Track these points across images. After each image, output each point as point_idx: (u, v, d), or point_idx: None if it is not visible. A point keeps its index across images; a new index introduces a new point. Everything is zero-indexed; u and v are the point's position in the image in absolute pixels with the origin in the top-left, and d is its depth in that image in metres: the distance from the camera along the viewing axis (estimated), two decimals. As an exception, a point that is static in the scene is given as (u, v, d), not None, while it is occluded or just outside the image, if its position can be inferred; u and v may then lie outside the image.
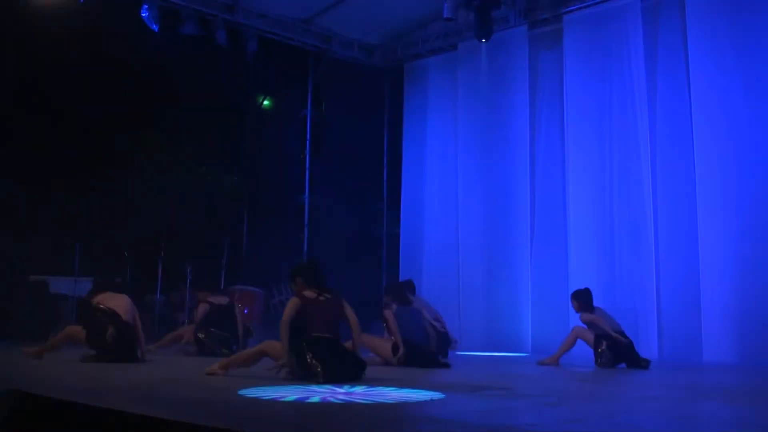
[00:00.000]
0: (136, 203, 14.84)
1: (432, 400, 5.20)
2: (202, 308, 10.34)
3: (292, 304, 6.88)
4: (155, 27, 12.31)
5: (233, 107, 16.23)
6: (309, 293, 6.97)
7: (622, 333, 9.18)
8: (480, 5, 12.48)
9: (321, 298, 6.96)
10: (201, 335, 10.13)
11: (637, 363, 8.91)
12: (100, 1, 12.32)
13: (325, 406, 4.90)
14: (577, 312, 9.47)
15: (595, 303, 9.46)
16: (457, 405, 5.09)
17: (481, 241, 13.36)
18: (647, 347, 10.73)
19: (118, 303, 8.69)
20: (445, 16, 12.59)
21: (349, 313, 7.05)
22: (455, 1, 12.49)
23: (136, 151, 15.24)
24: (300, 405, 4.93)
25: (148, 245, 12.94)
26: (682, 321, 10.88)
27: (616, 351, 9.03)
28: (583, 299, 9.43)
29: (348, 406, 4.89)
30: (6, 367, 7.38)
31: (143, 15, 12.28)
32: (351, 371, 6.69)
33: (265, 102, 17.10)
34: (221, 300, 10.57)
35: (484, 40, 12.85)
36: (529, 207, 12.86)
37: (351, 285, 10.19)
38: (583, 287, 9.59)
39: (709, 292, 10.52)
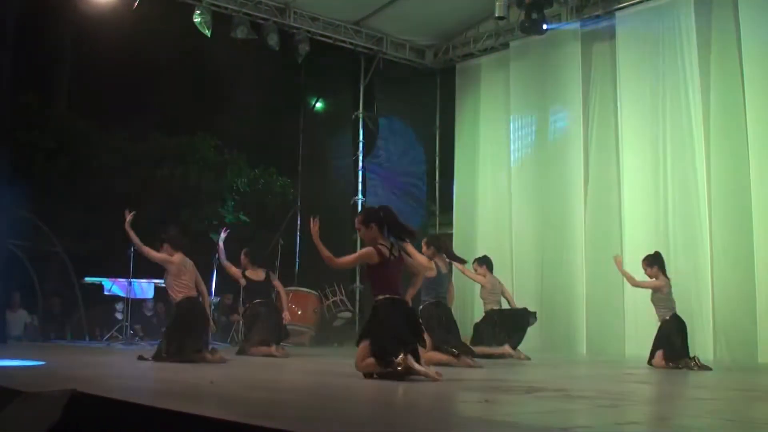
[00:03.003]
0: (190, 205, 14.98)
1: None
2: None
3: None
4: (208, 32, 12.47)
5: (286, 110, 16.33)
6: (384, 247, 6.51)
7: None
8: (533, 2, 12.43)
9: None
10: None
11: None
12: (153, 7, 12.50)
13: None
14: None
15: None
16: (511, 406, 5.06)
17: (534, 242, 13.29)
18: (702, 348, 10.61)
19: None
20: (496, 14, 12.56)
21: None
22: (507, -1, 12.49)
23: (190, 154, 15.41)
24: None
25: (202, 247, 13.04)
26: (737, 322, 10.75)
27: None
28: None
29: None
30: (63, 367, 7.49)
31: (196, 21, 12.45)
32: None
33: (318, 104, 17.18)
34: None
35: (541, 35, 12.84)
36: (583, 206, 12.76)
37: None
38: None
39: (765, 293, 10.36)
